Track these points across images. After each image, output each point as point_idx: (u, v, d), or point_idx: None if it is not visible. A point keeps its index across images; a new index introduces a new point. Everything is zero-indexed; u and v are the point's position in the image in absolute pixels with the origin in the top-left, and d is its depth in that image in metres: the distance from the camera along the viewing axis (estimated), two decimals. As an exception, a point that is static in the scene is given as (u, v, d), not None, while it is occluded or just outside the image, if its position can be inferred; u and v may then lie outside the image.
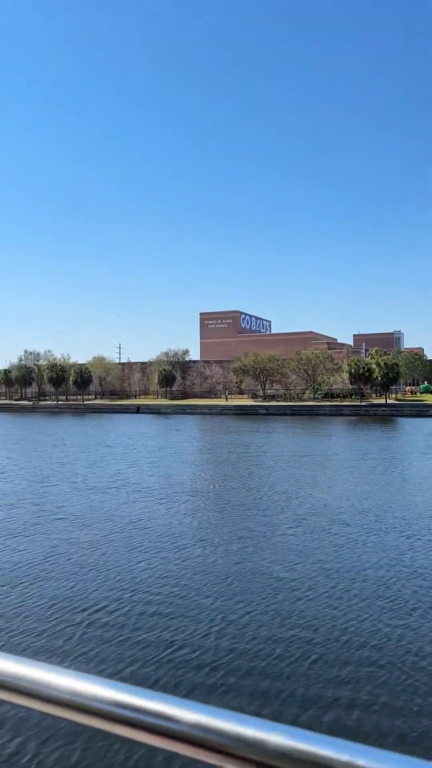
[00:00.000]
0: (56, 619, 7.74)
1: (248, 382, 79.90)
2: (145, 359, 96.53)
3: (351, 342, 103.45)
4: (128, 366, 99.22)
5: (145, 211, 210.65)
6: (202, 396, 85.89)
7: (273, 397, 75.69)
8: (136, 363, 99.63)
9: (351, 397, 69.30)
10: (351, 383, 69.64)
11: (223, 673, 6.32)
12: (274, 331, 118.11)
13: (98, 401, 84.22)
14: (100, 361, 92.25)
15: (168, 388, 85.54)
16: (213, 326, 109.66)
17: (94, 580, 9.32)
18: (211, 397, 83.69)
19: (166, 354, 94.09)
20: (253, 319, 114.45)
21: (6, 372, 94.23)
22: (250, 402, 72.02)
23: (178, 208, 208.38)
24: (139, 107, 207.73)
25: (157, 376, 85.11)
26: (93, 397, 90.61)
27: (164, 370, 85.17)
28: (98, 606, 8.19)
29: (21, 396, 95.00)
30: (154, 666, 6.46)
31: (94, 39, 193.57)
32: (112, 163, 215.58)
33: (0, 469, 22.55)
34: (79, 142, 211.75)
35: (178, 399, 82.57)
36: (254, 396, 79.15)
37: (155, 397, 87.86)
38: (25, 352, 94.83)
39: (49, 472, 21.68)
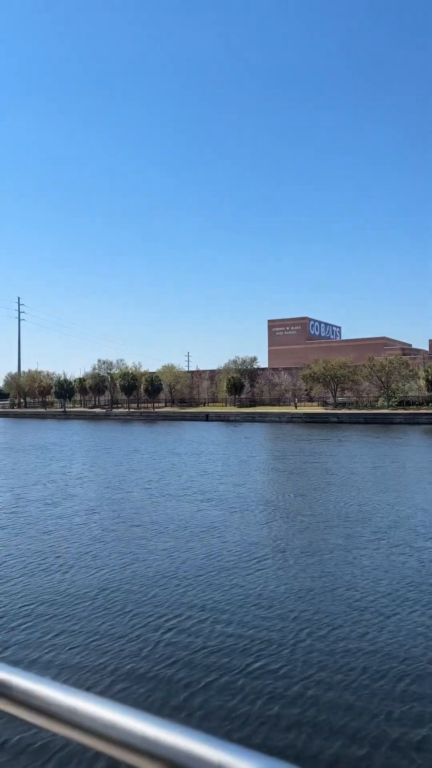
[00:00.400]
0: (135, 630, 7.67)
1: (318, 389, 78.39)
2: (214, 367, 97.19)
3: (426, 347, 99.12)
4: (197, 374, 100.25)
5: (212, 219, 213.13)
6: (270, 404, 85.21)
7: (344, 405, 73.78)
8: (204, 371, 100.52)
9: (428, 405, 66.25)
10: (428, 390, 66.61)
11: (316, 710, 5.96)
12: (344, 337, 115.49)
13: (168, 409, 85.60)
14: (169, 369, 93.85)
15: (236, 396, 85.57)
16: (281, 333, 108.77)
17: (174, 590, 9.22)
18: (279, 405, 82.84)
19: (234, 362, 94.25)
20: (322, 325, 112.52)
21: (81, 380, 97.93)
22: (320, 410, 70.57)
23: (244, 213, 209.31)
24: (212, 109, 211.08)
25: (225, 383, 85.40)
26: (163, 404, 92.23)
27: (233, 377, 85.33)
28: (176, 618, 8.06)
29: (94, 404, 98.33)
30: (232, 694, 6.20)
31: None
32: (177, 173, 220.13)
33: (77, 475, 23.22)
34: (147, 154, 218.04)
35: (246, 407, 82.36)
36: (324, 404, 77.52)
37: (224, 404, 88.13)
38: (99, 361, 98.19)
39: (123, 478, 22.07)
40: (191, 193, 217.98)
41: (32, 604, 8.60)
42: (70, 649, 7.03)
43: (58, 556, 11.09)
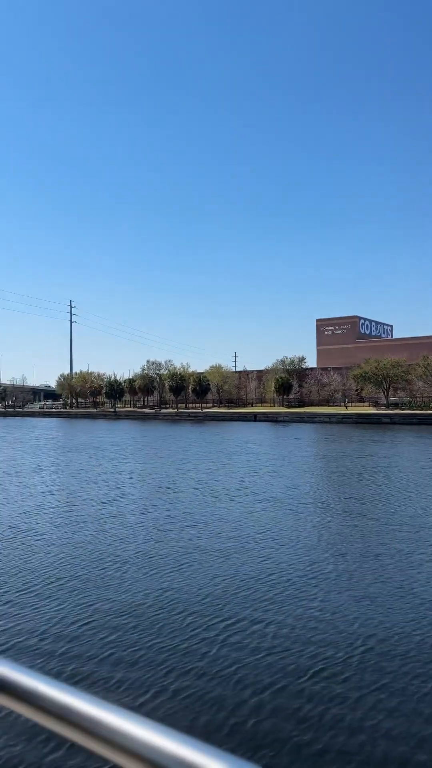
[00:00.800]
0: (194, 636, 7.55)
1: (369, 389, 76.58)
2: (261, 367, 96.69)
3: None
4: (244, 374, 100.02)
5: (259, 218, 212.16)
6: (319, 404, 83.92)
7: (397, 405, 71.73)
8: (252, 371, 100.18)
9: None
10: None
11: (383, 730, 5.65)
12: (396, 335, 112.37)
13: (216, 409, 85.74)
14: (217, 369, 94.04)
15: (284, 396, 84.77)
16: (330, 332, 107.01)
17: (230, 592, 9.06)
18: (329, 405, 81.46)
19: (282, 362, 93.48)
20: (372, 324, 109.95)
21: (131, 381, 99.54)
22: (372, 410, 68.88)
23: (292, 211, 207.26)
24: (245, 119, 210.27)
25: (273, 384, 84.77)
26: (210, 405, 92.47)
27: (281, 377, 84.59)
28: (232, 620, 7.89)
29: (143, 404, 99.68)
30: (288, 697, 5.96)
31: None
32: (224, 175, 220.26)
33: (129, 474, 23.47)
34: (192, 154, 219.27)
35: (294, 407, 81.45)
36: (376, 404, 75.64)
37: (271, 405, 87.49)
38: (148, 362, 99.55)
39: (175, 478, 22.12)
40: (237, 192, 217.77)
41: (90, 604, 8.63)
42: (128, 649, 6.98)
43: (115, 556, 11.13)
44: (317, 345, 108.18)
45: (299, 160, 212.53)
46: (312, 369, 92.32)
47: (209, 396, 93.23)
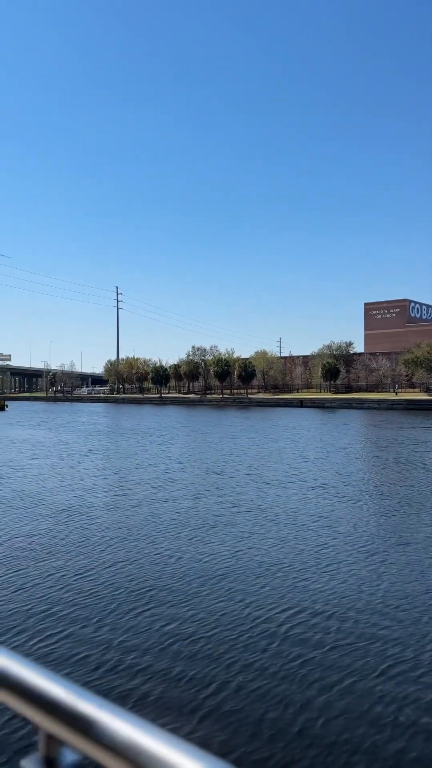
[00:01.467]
0: (250, 621, 7.29)
1: (420, 374, 74.16)
2: (307, 352, 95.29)
3: None
4: (290, 360, 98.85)
5: (303, 201, 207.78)
6: (367, 390, 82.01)
7: (450, 391, 69.23)
8: (297, 357, 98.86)
9: None
10: None
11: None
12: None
13: (261, 395, 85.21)
14: (262, 355, 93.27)
15: (331, 382, 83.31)
16: (378, 316, 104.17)
17: (287, 580, 8.76)
18: (377, 391, 79.50)
19: (329, 347, 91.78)
20: (423, 307, 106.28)
21: (176, 367, 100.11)
22: (423, 396, 66.72)
23: (339, 195, 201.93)
24: (293, 109, 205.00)
25: (320, 369, 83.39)
26: (255, 390, 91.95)
27: (328, 363, 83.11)
28: (293, 611, 7.58)
29: (188, 389, 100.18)
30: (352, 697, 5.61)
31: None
32: (268, 161, 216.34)
33: (177, 459, 23.45)
34: (237, 143, 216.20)
35: (342, 393, 79.91)
36: (428, 390, 73.22)
37: (318, 390, 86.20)
38: (193, 347, 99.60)
39: (224, 464, 21.93)
40: (282, 176, 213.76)
41: (147, 590, 8.52)
42: (181, 637, 6.80)
43: (170, 541, 11.01)
44: (365, 329, 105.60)
45: (345, 146, 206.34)
46: (360, 354, 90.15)
47: (254, 382, 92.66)
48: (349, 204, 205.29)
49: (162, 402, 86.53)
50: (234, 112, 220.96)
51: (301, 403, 71.09)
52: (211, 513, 13.35)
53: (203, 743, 4.82)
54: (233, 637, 6.83)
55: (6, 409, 68.38)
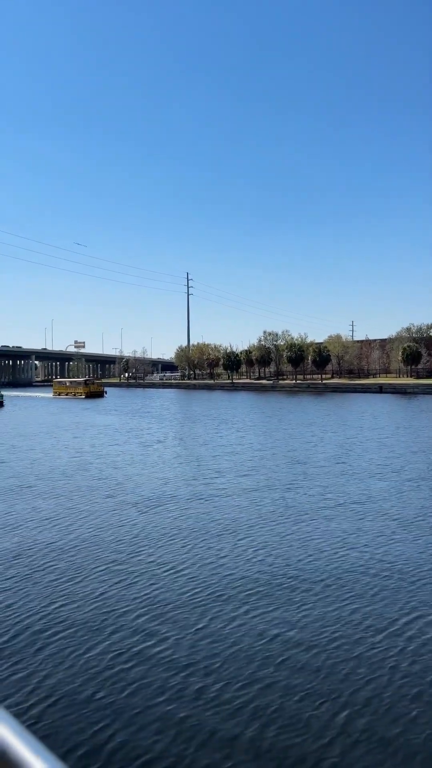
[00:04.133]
0: (372, 617, 6.08)
1: None
2: (383, 336, 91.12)
3: None
4: (366, 344, 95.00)
5: (374, 178, 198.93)
6: (452, 374, 77.17)
7: None
8: (374, 340, 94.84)
9: None
10: None
11: None
12: None
13: (336, 380, 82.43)
14: (337, 339, 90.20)
15: (412, 366, 79.15)
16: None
17: (409, 585, 7.45)
18: (463, 376, 74.58)
19: (408, 330, 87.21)
20: None
21: (248, 352, 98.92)
22: None
23: (413, 166, 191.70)
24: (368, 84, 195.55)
25: (400, 353, 79.33)
26: (329, 376, 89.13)
27: (409, 346, 78.97)
28: (406, 612, 6.29)
29: (259, 375, 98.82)
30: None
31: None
32: (337, 141, 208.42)
33: (259, 446, 22.39)
34: (305, 124, 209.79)
35: (424, 378, 75.65)
36: None
37: (397, 375, 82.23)
38: (264, 332, 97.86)
39: (308, 453, 20.62)
40: (347, 152, 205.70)
41: (249, 575, 7.51)
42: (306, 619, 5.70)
43: (272, 536, 9.97)
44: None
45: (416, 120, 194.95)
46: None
47: (328, 367, 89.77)
48: (422, 171, 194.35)
49: (234, 388, 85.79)
50: (309, 95, 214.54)
51: (381, 389, 67.90)
52: (305, 505, 12.17)
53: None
54: (340, 635, 5.66)
55: (105, 395, 69.68)
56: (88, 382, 72.34)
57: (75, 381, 74.53)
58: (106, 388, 77.07)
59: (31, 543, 9.80)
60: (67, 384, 73.68)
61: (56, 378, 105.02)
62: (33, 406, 53.17)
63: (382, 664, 5.65)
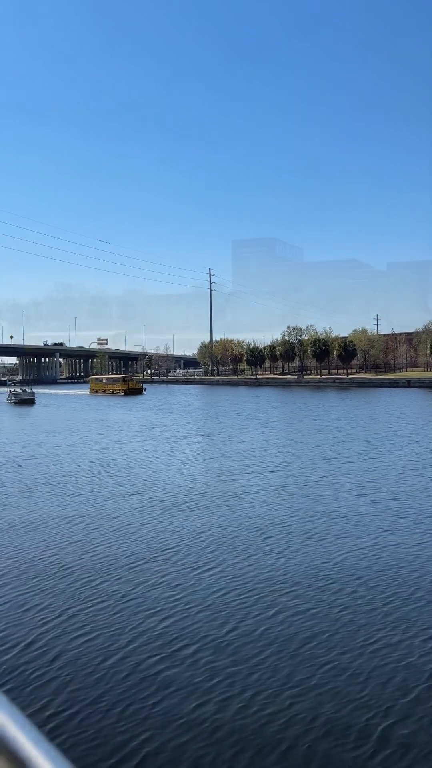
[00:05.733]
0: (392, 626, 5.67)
1: None
2: (410, 329, 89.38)
3: None
4: (392, 338, 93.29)
5: (392, 176, 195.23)
6: None
7: None
8: (401, 334, 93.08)
9: None
10: None
11: None
12: None
13: (362, 375, 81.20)
14: (362, 333, 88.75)
15: (440, 360, 77.39)
16: None
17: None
18: None
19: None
20: None
21: (271, 348, 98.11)
22: None
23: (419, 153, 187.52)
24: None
25: (429, 346, 77.67)
26: (355, 370, 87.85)
27: (437, 340, 77.15)
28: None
29: (283, 370, 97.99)
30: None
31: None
32: (363, 131, 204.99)
33: (286, 443, 21.95)
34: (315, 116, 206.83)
35: (453, 372, 73.92)
36: None
37: (425, 369, 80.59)
38: (288, 327, 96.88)
39: (331, 449, 20.09)
40: (369, 146, 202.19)
41: (291, 585, 7.15)
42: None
43: (302, 535, 9.59)
44: None
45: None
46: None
47: (353, 362, 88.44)
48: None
49: (257, 383, 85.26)
50: (336, 87, 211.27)
51: (409, 384, 66.61)
52: (336, 502, 11.74)
53: None
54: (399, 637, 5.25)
55: (144, 392, 68.50)
56: (126, 379, 71.65)
57: (112, 378, 73.87)
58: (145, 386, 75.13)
59: (67, 538, 9.63)
60: (104, 381, 73.03)
61: (92, 375, 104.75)
62: (76, 405, 53.32)
63: (423, 668, 5.24)
